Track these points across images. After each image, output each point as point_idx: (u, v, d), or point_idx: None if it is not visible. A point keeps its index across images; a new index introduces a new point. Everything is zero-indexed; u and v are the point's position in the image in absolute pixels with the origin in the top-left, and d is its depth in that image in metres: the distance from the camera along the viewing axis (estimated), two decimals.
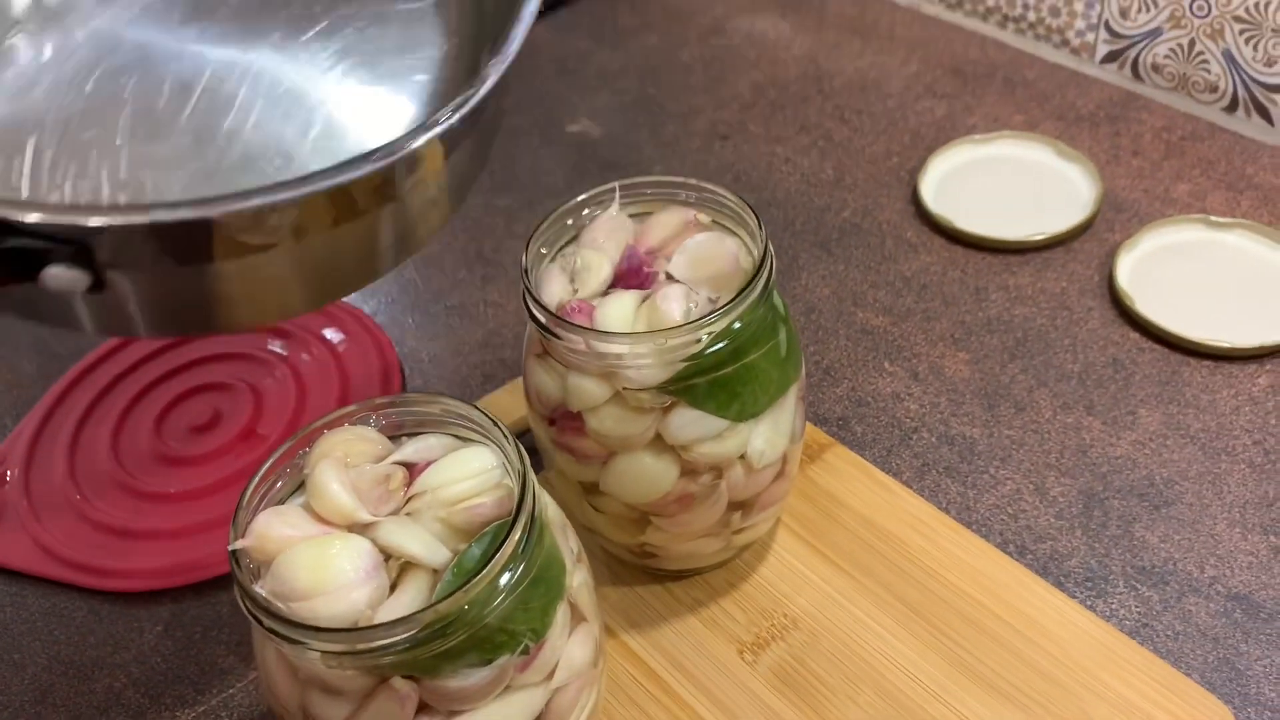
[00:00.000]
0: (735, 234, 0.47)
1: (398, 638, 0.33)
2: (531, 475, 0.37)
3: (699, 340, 0.42)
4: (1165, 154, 0.74)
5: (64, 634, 0.57)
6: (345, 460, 0.38)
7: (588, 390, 0.44)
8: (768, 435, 0.46)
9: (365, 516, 0.37)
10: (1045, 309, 0.65)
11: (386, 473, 0.38)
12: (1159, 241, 0.67)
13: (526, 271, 0.45)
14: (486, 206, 0.79)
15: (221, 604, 0.57)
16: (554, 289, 0.46)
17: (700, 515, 0.47)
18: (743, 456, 0.46)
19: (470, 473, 0.38)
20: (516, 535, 0.35)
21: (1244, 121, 0.76)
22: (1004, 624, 0.50)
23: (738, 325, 0.43)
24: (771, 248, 0.44)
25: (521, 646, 0.36)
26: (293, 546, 0.36)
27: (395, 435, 0.40)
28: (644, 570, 0.53)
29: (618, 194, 0.48)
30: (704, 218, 0.48)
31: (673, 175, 0.48)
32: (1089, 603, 0.51)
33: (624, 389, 0.44)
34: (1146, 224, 0.68)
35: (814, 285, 0.69)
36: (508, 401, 0.62)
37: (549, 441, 0.48)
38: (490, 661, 0.35)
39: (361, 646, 0.34)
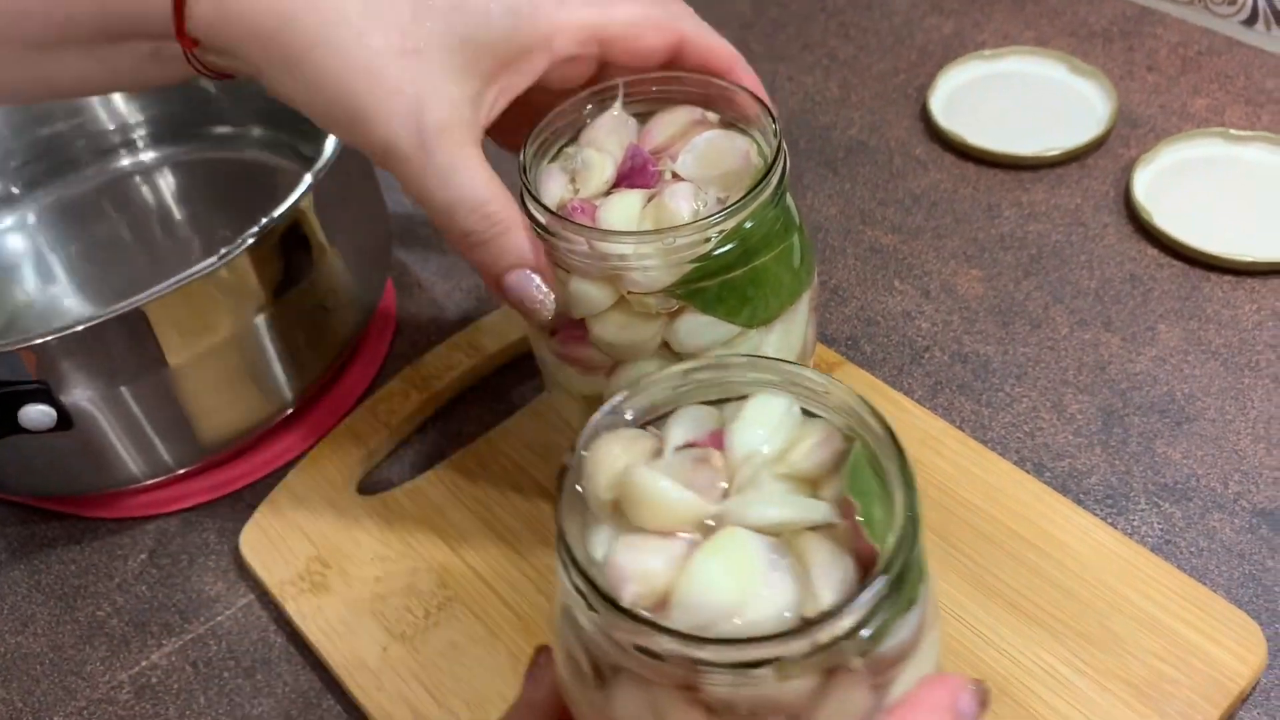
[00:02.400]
0: (747, 133, 0.44)
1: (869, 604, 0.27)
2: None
3: (708, 240, 0.39)
4: (1182, 69, 0.72)
5: (44, 562, 0.55)
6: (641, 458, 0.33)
7: (591, 295, 0.41)
8: (778, 345, 0.44)
9: (712, 508, 0.30)
10: (1060, 225, 0.63)
11: (702, 456, 0.32)
12: (1176, 156, 0.65)
13: (524, 170, 0.42)
14: None
15: (207, 530, 0.55)
16: (554, 189, 0.43)
17: None
18: None
19: (776, 420, 0.32)
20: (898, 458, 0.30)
21: (1263, 35, 0.73)
22: (1023, 541, 0.48)
23: (749, 225, 0.40)
24: (785, 146, 0.42)
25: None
26: (686, 567, 0.29)
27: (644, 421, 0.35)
28: None
29: (621, 91, 0.45)
30: (713, 116, 0.45)
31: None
32: (1110, 520, 0.50)
33: (629, 293, 0.41)
34: (1163, 139, 0.65)
35: (820, 205, 0.66)
36: (502, 324, 0.60)
37: (551, 354, 0.45)
38: (913, 601, 0.29)
39: (826, 637, 0.27)
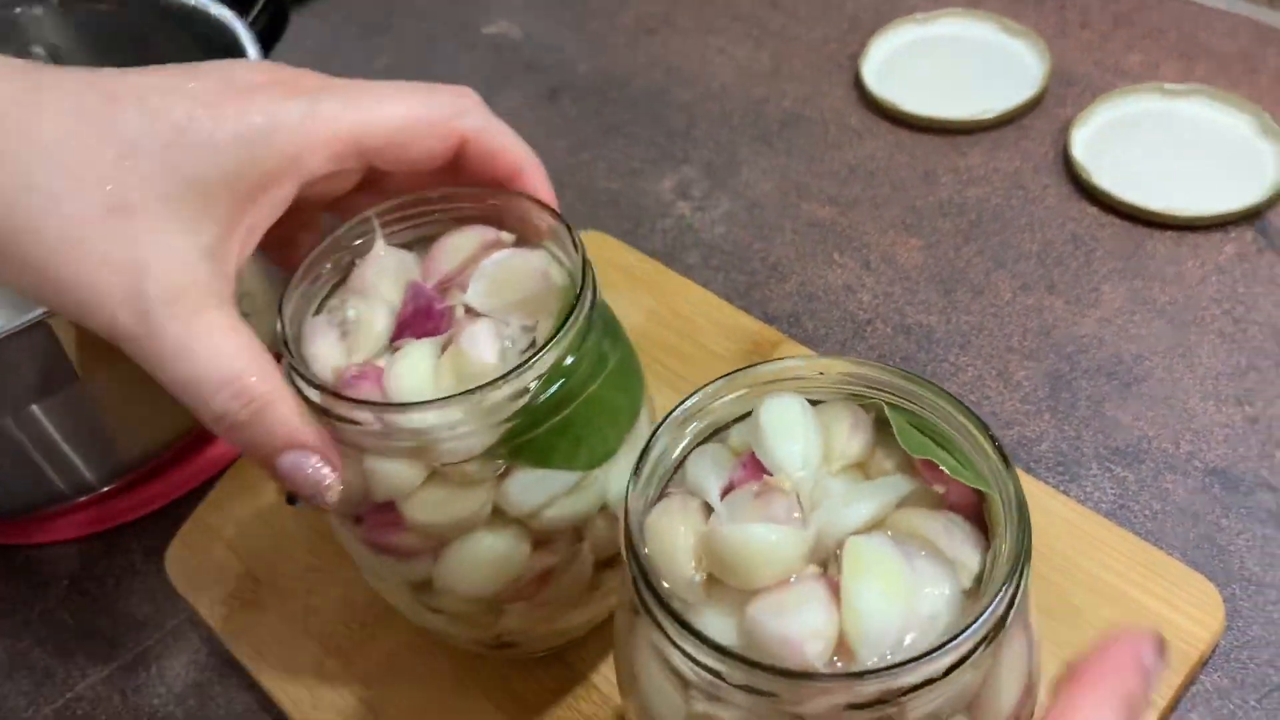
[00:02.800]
0: (541, 246, 0.38)
1: None
2: None
3: (527, 390, 0.34)
4: (1114, 25, 0.71)
5: None
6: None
7: (395, 476, 0.35)
8: (627, 475, 0.38)
9: (810, 533, 0.29)
10: (999, 189, 0.62)
11: (760, 490, 0.30)
12: (1113, 114, 0.64)
13: (284, 338, 0.35)
14: None
15: (133, 551, 0.53)
16: (325, 353, 0.36)
17: (565, 588, 0.39)
18: (604, 507, 0.38)
19: (798, 421, 0.31)
20: None
21: None
22: None
23: (570, 360, 0.34)
24: (589, 257, 0.36)
25: None
26: (848, 603, 0.27)
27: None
28: (504, 661, 0.45)
29: (378, 228, 0.38)
30: (508, 236, 0.38)
31: (459, 191, 0.39)
32: (1062, 487, 0.48)
33: (442, 465, 0.35)
34: (1099, 96, 0.64)
35: (755, 180, 0.65)
36: None
37: (360, 544, 0.38)
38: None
39: (1002, 600, 0.27)
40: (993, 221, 0.60)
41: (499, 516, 0.37)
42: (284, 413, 0.33)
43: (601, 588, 0.41)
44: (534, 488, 0.36)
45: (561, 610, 0.41)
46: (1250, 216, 0.58)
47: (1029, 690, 0.31)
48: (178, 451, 0.54)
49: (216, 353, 0.32)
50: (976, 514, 0.30)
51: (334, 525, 0.40)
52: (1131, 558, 0.44)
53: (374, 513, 0.37)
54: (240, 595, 0.48)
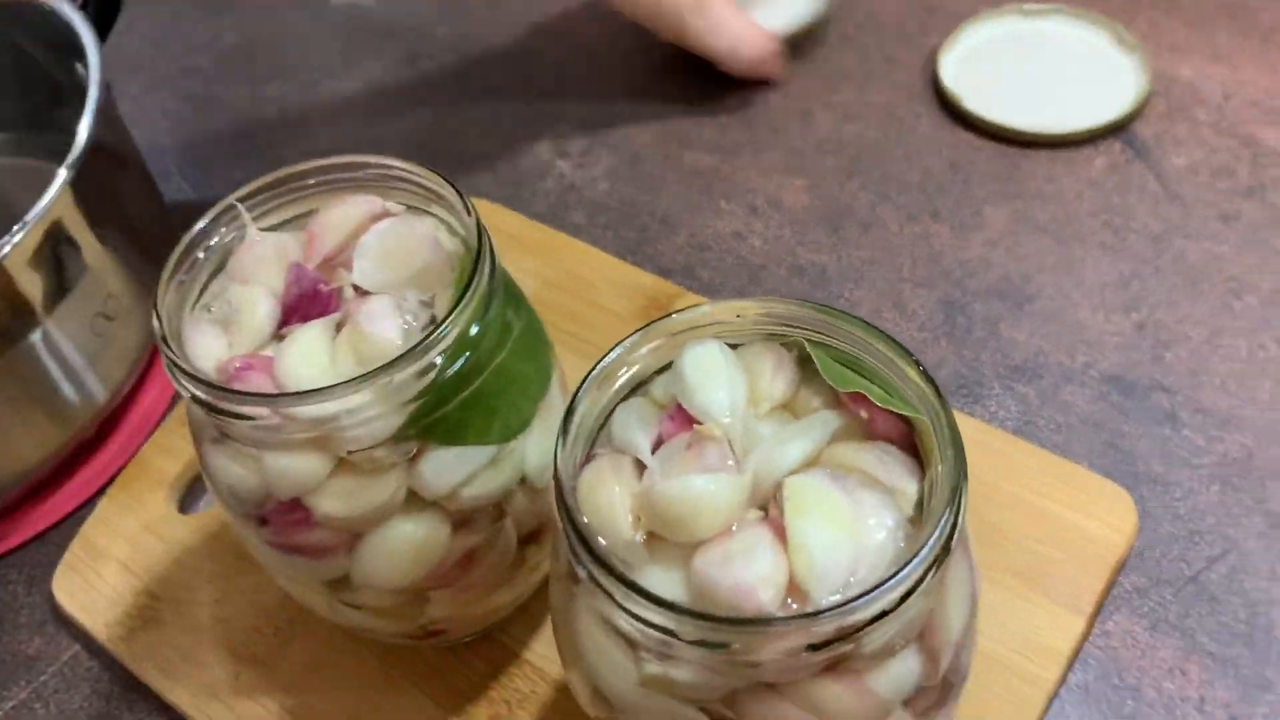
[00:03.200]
0: (427, 212, 0.37)
1: None
2: None
3: (433, 366, 0.32)
4: None
5: None
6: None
7: (299, 470, 0.33)
8: (544, 443, 0.37)
9: (747, 479, 0.28)
10: (874, 123, 0.62)
11: (691, 440, 0.29)
12: (977, 37, 0.64)
13: (164, 337, 0.33)
14: (254, 98, 0.70)
15: (14, 581, 0.49)
16: (207, 347, 0.34)
17: (490, 568, 0.38)
18: (523, 480, 0.37)
19: (720, 367, 0.30)
20: None
21: None
22: None
23: (475, 330, 0.33)
24: (482, 220, 0.34)
25: None
26: (798, 544, 0.27)
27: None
28: (432, 650, 0.43)
29: (245, 214, 0.36)
30: (394, 206, 0.37)
31: (344, 157, 0.36)
32: (968, 409, 0.49)
33: (349, 453, 0.33)
34: (962, 21, 0.65)
35: (634, 133, 0.63)
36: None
37: (268, 548, 0.36)
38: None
39: (949, 520, 0.27)
40: (872, 155, 0.60)
41: (414, 501, 0.35)
42: None
43: (527, 563, 0.40)
44: (449, 467, 0.35)
45: (488, 591, 0.40)
46: (1116, 129, 0.59)
47: (974, 613, 0.31)
48: (50, 473, 0.51)
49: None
50: (907, 442, 0.30)
51: (236, 529, 0.37)
52: (1043, 472, 0.45)
53: (279, 512, 0.35)
54: (140, 614, 0.46)
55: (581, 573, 0.27)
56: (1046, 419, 0.48)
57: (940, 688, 0.30)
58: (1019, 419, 0.49)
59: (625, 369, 0.31)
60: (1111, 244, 0.54)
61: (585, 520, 0.27)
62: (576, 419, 0.29)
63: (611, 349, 0.30)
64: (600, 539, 0.27)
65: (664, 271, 0.56)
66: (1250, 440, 0.47)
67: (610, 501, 0.28)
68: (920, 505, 0.28)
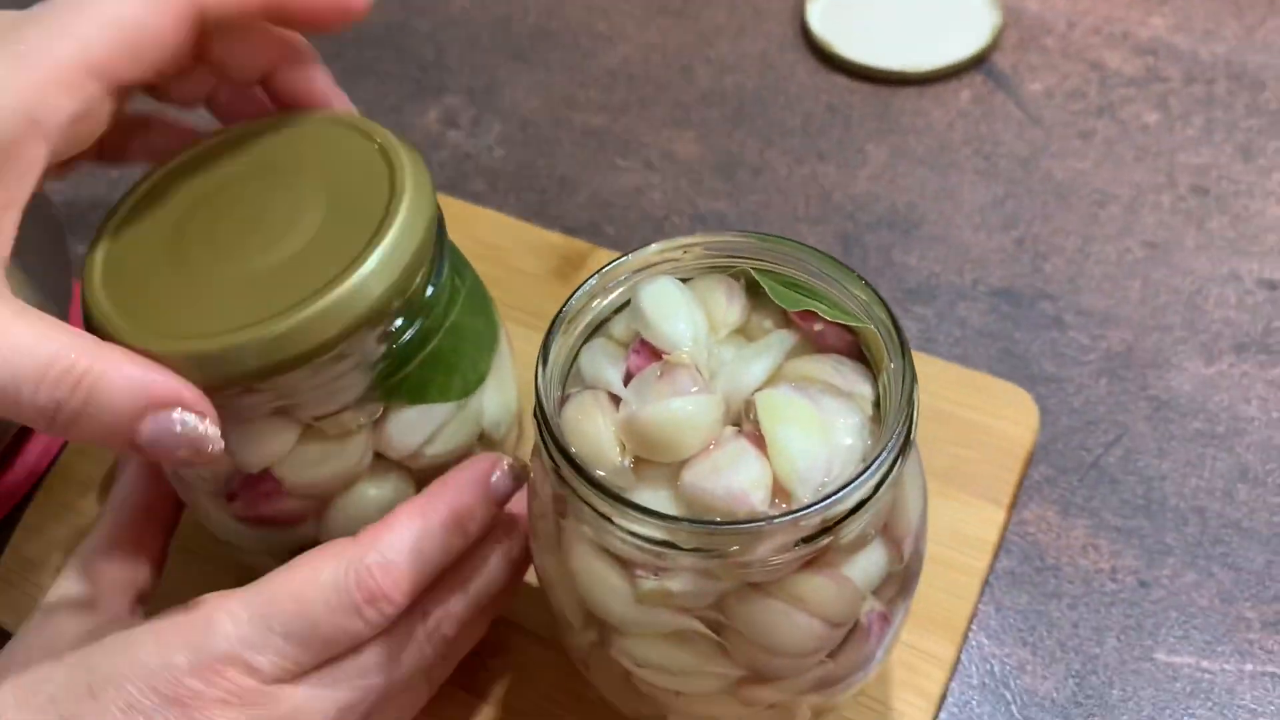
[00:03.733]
0: None
1: None
2: None
3: (391, 329, 0.33)
4: None
5: None
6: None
7: (265, 440, 0.34)
8: (498, 397, 0.39)
9: (720, 398, 0.30)
10: (752, 73, 0.65)
11: (662, 369, 0.31)
12: None
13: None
14: None
15: None
16: None
17: None
18: (481, 434, 0.39)
19: (677, 301, 0.32)
20: None
21: None
22: None
23: (430, 291, 0.34)
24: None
25: None
26: (779, 449, 0.29)
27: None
28: None
29: None
30: None
31: None
32: None
33: (315, 420, 0.34)
34: None
35: (521, 98, 0.64)
36: None
37: (234, 522, 0.37)
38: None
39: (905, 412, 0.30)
40: (754, 104, 0.63)
41: (380, 463, 0.36)
42: (127, 371, 0.29)
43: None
44: (414, 426, 0.36)
45: None
46: (977, 62, 0.63)
47: (925, 503, 0.34)
48: None
49: (17, 346, 0.28)
50: (856, 352, 0.32)
51: (200, 509, 0.38)
52: (949, 382, 0.48)
53: (247, 485, 0.35)
54: None
55: (575, 502, 0.28)
56: (945, 334, 0.52)
57: (903, 575, 0.32)
58: (920, 337, 0.52)
59: (586, 313, 0.32)
60: (984, 169, 0.58)
61: (574, 454, 0.29)
62: (552, 360, 0.30)
63: (572, 295, 0.32)
64: (587, 468, 0.29)
65: (570, 230, 0.57)
66: (1129, 335, 0.51)
67: (597, 433, 0.29)
68: (876, 405, 0.30)
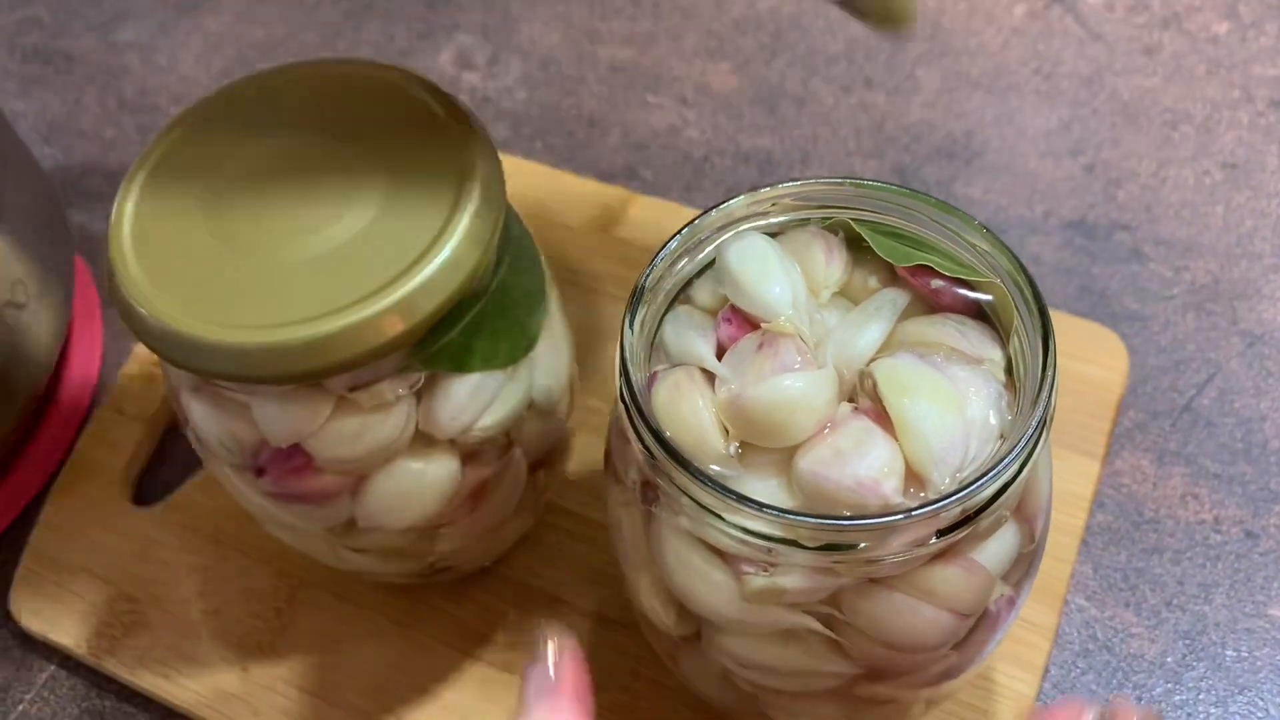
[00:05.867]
0: None
1: None
2: None
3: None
4: None
5: None
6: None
7: (297, 412, 0.31)
8: (549, 365, 0.36)
9: (831, 372, 0.27)
10: None
11: (764, 339, 0.27)
12: None
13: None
14: (107, 45, 0.63)
15: None
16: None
17: (501, 499, 0.37)
18: (531, 405, 0.35)
19: (772, 261, 0.29)
20: None
21: None
22: None
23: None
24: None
25: None
26: (910, 429, 0.26)
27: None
28: (438, 594, 0.41)
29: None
30: None
31: None
32: None
33: (350, 391, 0.31)
34: None
35: (541, 35, 0.60)
36: None
37: (266, 501, 0.34)
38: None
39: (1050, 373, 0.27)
40: (792, 30, 0.58)
41: (420, 437, 0.33)
42: None
43: (538, 489, 0.39)
44: (461, 398, 0.32)
45: (498, 523, 0.38)
46: None
47: (1051, 476, 0.30)
48: None
49: None
50: (975, 310, 0.28)
51: (231, 485, 0.35)
52: None
53: (276, 460, 0.32)
54: (119, 620, 0.42)
55: (673, 492, 0.25)
56: None
57: (1031, 555, 0.29)
58: None
59: (667, 279, 0.29)
60: (1046, 90, 0.54)
61: (670, 436, 0.26)
62: (636, 333, 0.27)
63: (652, 261, 0.28)
64: (691, 460, 0.26)
65: (605, 176, 0.53)
66: (1214, 265, 0.47)
67: (698, 417, 0.26)
68: (1009, 369, 0.27)
